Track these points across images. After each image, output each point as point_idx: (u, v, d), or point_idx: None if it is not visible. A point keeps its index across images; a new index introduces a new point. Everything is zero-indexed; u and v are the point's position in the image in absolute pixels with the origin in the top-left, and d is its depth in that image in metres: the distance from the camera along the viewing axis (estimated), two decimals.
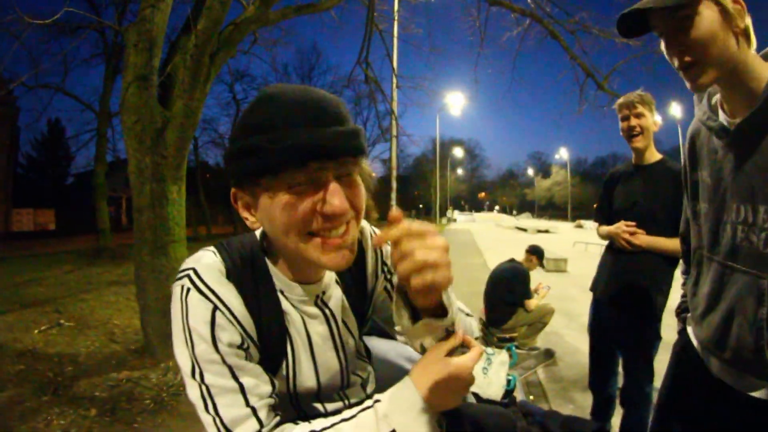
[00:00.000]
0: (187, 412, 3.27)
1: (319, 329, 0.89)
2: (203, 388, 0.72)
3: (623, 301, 2.20)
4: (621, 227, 2.16)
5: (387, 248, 1.05)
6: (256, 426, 0.71)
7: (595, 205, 2.68)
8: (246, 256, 0.83)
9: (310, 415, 0.88)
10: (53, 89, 12.94)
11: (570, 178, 65.75)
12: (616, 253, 2.27)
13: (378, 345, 1.36)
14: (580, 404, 3.27)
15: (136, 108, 3.71)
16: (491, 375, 1.91)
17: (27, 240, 21.76)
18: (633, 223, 2.14)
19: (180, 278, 0.76)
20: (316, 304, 0.89)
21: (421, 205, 63.90)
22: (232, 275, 0.78)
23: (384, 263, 1.04)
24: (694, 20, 0.90)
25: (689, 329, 1.28)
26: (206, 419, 0.72)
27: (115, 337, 5.12)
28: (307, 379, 0.88)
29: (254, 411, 0.72)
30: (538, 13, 7.12)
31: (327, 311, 0.91)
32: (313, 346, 0.88)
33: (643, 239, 2.11)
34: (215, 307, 0.73)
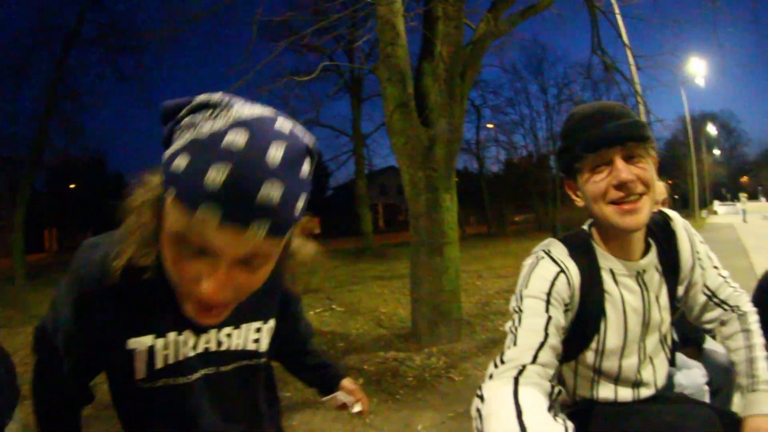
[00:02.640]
0: (446, 392, 3.45)
1: (634, 304, 1.05)
2: (518, 314, 0.94)
3: None
4: None
5: (697, 236, 1.18)
6: (542, 339, 0.87)
7: None
8: (580, 244, 1.07)
9: (606, 373, 1.07)
10: (310, 123, 15.88)
11: None
12: None
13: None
14: None
15: (403, 131, 4.37)
16: None
17: None
18: None
19: (534, 254, 1.05)
20: (636, 281, 1.06)
21: (676, 196, 53.94)
22: (573, 256, 1.03)
23: (697, 252, 1.17)
24: None
25: None
26: (510, 329, 0.93)
27: (382, 323, 5.73)
28: (616, 344, 1.05)
29: (546, 336, 0.88)
30: None
31: (645, 288, 1.07)
32: (627, 316, 1.05)
33: None
34: (561, 270, 0.98)
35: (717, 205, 52.19)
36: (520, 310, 0.94)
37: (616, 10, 7.76)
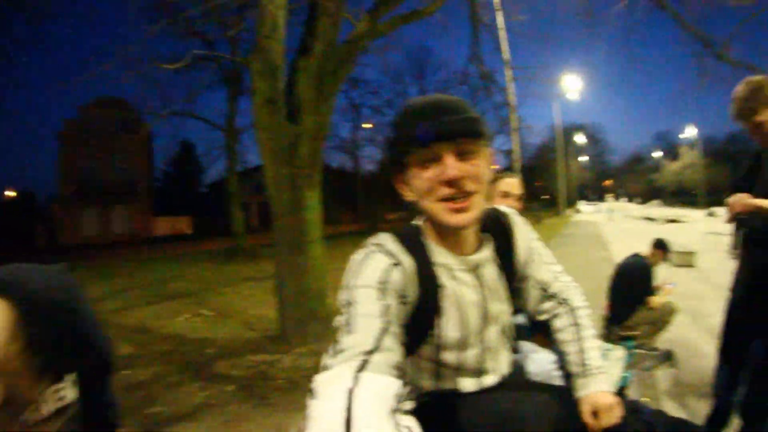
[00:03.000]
0: None
1: (470, 298, 1.06)
2: (350, 306, 0.84)
3: (759, 311, 2.03)
4: (738, 196, 1.94)
5: (532, 233, 1.23)
6: (382, 324, 0.79)
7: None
8: (413, 239, 1.04)
9: (447, 365, 1.07)
10: (183, 115, 14.89)
11: (701, 159, 56.49)
12: (754, 249, 2.07)
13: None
14: (694, 411, 3.07)
15: (269, 127, 4.24)
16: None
17: (167, 243, 24.72)
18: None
19: (365, 247, 0.98)
20: (473, 275, 1.07)
21: (545, 196, 60.53)
22: (406, 251, 1.00)
23: (531, 248, 1.21)
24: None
25: None
26: (343, 322, 0.81)
27: (251, 326, 5.63)
28: (455, 337, 1.04)
29: (387, 322, 0.80)
30: None
31: (481, 282, 1.08)
32: (464, 310, 1.05)
33: (760, 201, 1.88)
34: (396, 263, 0.94)
35: (583, 204, 59.43)
36: (353, 302, 0.84)
37: (501, 26, 8.38)
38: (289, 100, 4.42)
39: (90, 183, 31.90)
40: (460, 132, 0.93)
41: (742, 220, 1.99)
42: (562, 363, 1.24)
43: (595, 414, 1.07)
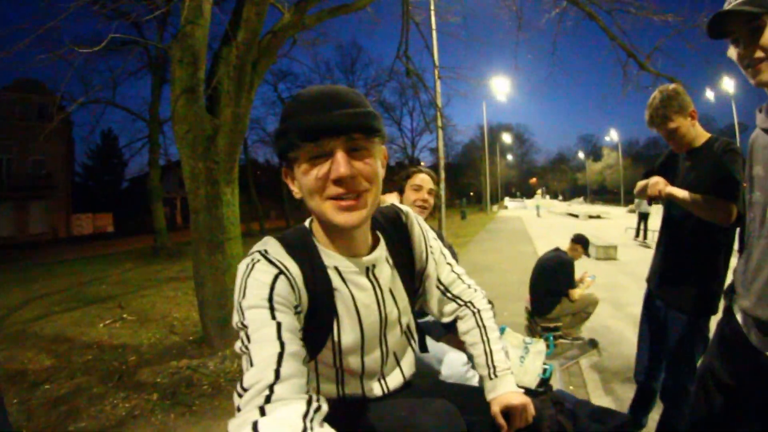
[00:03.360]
0: None
1: (366, 300, 1.01)
2: (243, 330, 0.80)
3: (673, 295, 2.14)
4: (657, 178, 2.01)
5: (431, 232, 1.21)
6: (278, 349, 0.77)
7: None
8: (299, 241, 0.97)
9: (349, 370, 1.03)
10: (104, 103, 13.73)
11: (622, 161, 61.84)
12: (668, 245, 2.21)
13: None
14: (620, 396, 3.23)
15: (186, 118, 3.97)
16: (527, 364, 1.98)
17: (87, 243, 23.15)
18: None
19: (249, 255, 0.90)
20: (367, 277, 1.02)
21: (471, 193, 62.61)
22: (293, 255, 0.92)
23: (430, 247, 1.19)
24: (765, 30, 1.10)
25: (735, 307, 1.33)
26: (241, 350, 0.80)
27: (174, 329, 5.44)
28: (353, 341, 0.99)
29: (283, 345, 0.77)
30: None
31: (376, 283, 1.03)
32: (360, 313, 0.99)
33: (676, 190, 1.96)
34: (280, 272, 0.86)
35: (507, 201, 62.35)
36: (245, 326, 0.81)
37: (433, 26, 8.47)
38: (213, 91, 4.17)
39: (3, 176, 28.85)
40: (353, 127, 0.86)
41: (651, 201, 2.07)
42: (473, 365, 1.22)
43: (507, 415, 1.07)
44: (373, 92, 27.87)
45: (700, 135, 2.05)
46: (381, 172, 0.94)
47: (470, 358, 1.22)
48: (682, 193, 1.92)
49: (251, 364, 0.75)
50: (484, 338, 1.17)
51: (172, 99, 4.06)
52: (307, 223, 1.04)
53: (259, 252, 0.90)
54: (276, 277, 0.85)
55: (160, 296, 7.62)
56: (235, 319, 0.84)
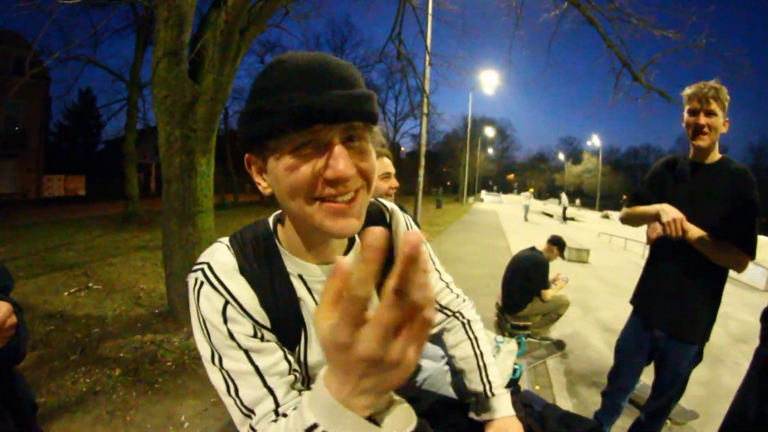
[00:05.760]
0: (206, 376, 3.35)
1: None
2: (223, 372, 0.74)
3: (680, 326, 2.04)
4: (676, 212, 1.88)
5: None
6: (273, 405, 0.73)
7: (625, 197, 2.49)
8: (259, 246, 0.83)
9: None
10: (84, 61, 13.14)
11: (601, 167, 63.13)
12: (663, 270, 2.10)
13: None
14: (584, 399, 3.28)
15: (167, 82, 3.79)
16: (498, 363, 1.95)
17: (58, 206, 22.39)
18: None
19: (194, 271, 0.78)
20: None
21: (448, 183, 62.84)
22: (245, 270, 0.78)
23: None
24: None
25: None
26: (228, 402, 0.75)
27: (140, 301, 5.30)
28: (319, 359, 0.86)
29: (271, 391, 0.74)
30: None
31: None
32: None
33: (695, 230, 1.86)
34: (226, 302, 0.74)
35: (484, 194, 62.97)
36: (222, 366, 0.75)
37: (430, 11, 8.33)
38: (193, 56, 4.00)
39: None
40: (355, 113, 0.66)
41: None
42: (460, 381, 1.12)
43: None
44: (362, 73, 27.76)
45: (716, 151, 1.99)
46: (377, 166, 0.79)
47: (458, 373, 1.12)
48: (698, 233, 1.86)
49: (255, 402, 0.74)
50: (477, 351, 1.08)
51: (154, 61, 3.87)
52: (270, 222, 0.87)
53: (203, 271, 0.77)
54: (224, 309, 0.74)
55: (128, 265, 7.42)
56: (207, 352, 0.76)
